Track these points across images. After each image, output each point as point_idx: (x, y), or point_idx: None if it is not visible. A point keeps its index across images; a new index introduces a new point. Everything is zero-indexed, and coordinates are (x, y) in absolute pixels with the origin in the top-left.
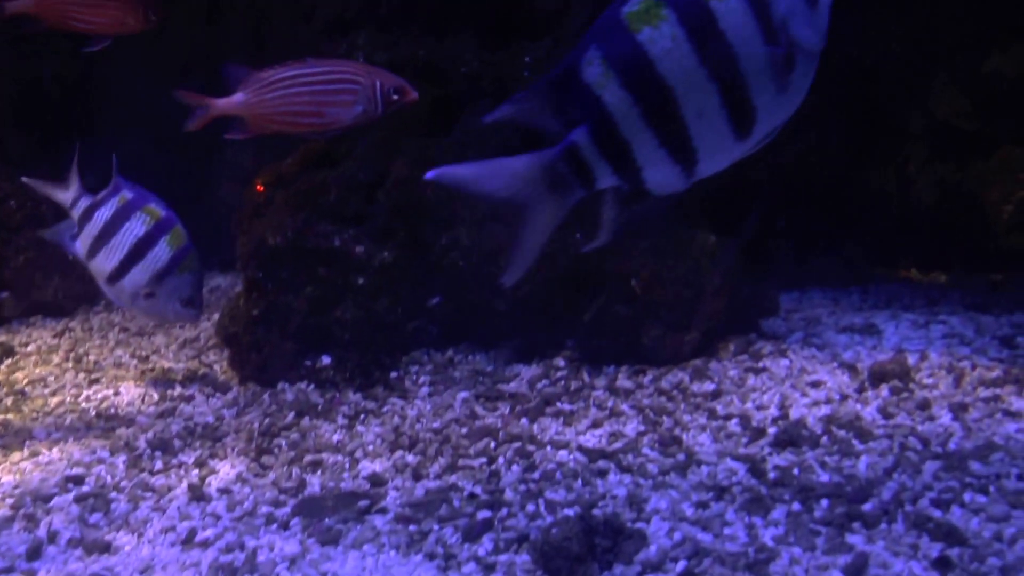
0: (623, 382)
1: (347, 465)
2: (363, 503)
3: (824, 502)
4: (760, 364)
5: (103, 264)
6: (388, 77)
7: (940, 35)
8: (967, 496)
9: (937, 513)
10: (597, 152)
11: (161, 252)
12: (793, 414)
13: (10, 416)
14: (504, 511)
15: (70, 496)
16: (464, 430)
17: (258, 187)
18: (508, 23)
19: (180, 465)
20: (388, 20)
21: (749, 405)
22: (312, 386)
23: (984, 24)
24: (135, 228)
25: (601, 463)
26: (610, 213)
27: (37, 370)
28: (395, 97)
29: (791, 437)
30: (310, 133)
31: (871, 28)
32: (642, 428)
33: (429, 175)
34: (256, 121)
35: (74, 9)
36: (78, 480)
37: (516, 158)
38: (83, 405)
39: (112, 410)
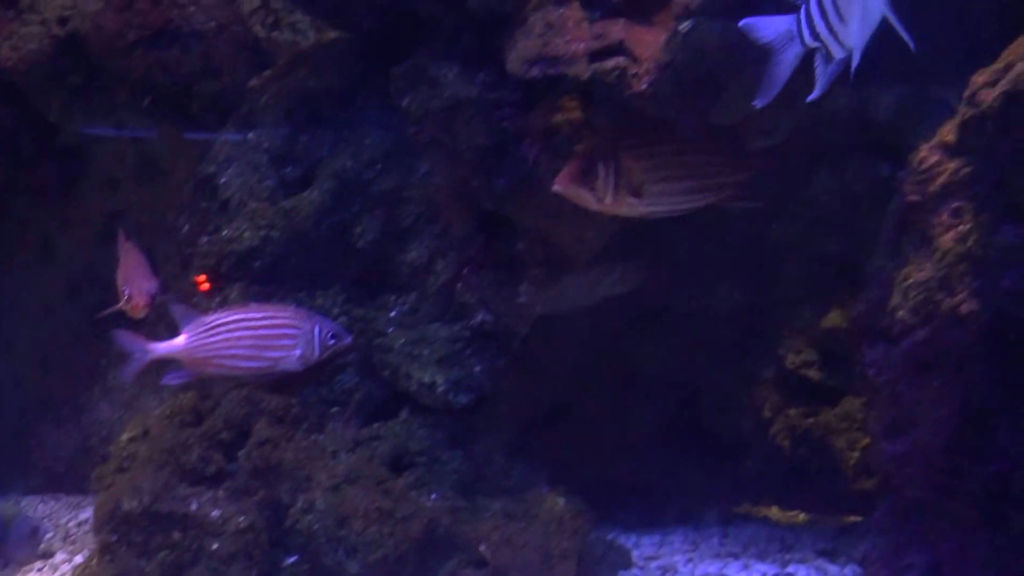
0: None
1: None
2: None
3: None
4: None
5: None
6: (327, 323)
7: (788, 287)
8: None
9: None
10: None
11: None
12: None
13: None
14: None
15: None
16: None
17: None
18: (376, 278)
19: None
20: (261, 274)
21: None
22: None
23: (824, 282)
24: None
25: None
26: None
27: None
28: (332, 342)
29: None
30: (248, 376)
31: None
32: None
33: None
34: (196, 364)
35: None
36: None
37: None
38: None
39: None
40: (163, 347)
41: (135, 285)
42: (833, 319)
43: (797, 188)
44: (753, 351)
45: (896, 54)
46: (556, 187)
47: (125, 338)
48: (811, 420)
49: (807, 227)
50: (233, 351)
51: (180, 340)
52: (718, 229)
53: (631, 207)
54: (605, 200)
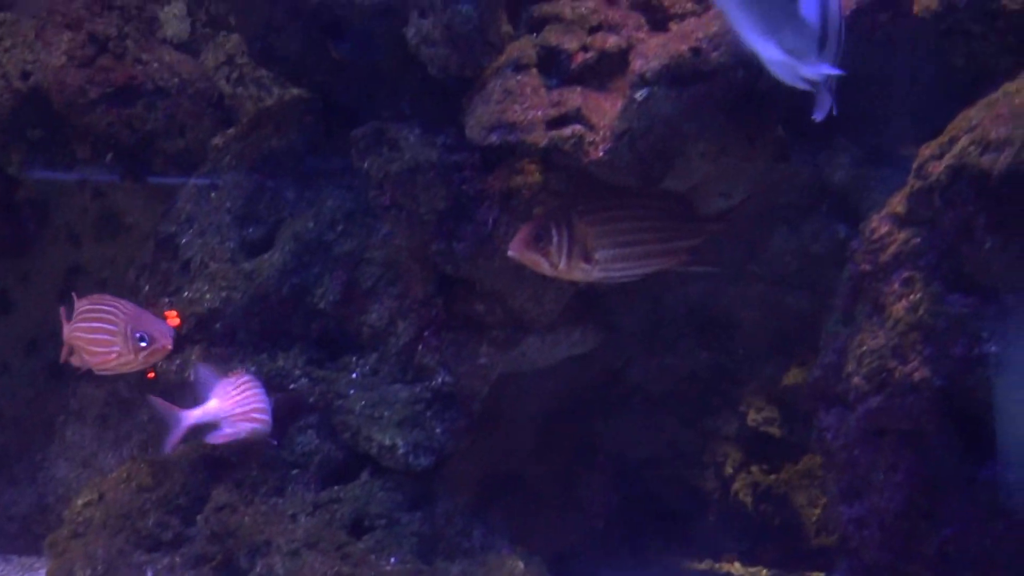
0: None
1: None
2: None
3: None
4: None
5: None
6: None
7: (749, 345)
8: None
9: None
10: None
11: None
12: None
13: None
14: None
15: None
16: None
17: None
18: (337, 339)
19: None
20: (222, 336)
21: None
22: None
23: (784, 340)
24: None
25: None
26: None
27: None
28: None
29: None
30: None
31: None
32: None
33: None
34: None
35: None
36: None
37: None
38: None
39: None
40: (198, 414)
41: (154, 328)
42: (794, 376)
43: (756, 249)
44: (714, 408)
45: (852, 117)
46: (510, 252)
47: (162, 407)
48: (773, 477)
49: (767, 287)
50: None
51: (213, 404)
52: (678, 287)
53: (585, 273)
54: (559, 266)
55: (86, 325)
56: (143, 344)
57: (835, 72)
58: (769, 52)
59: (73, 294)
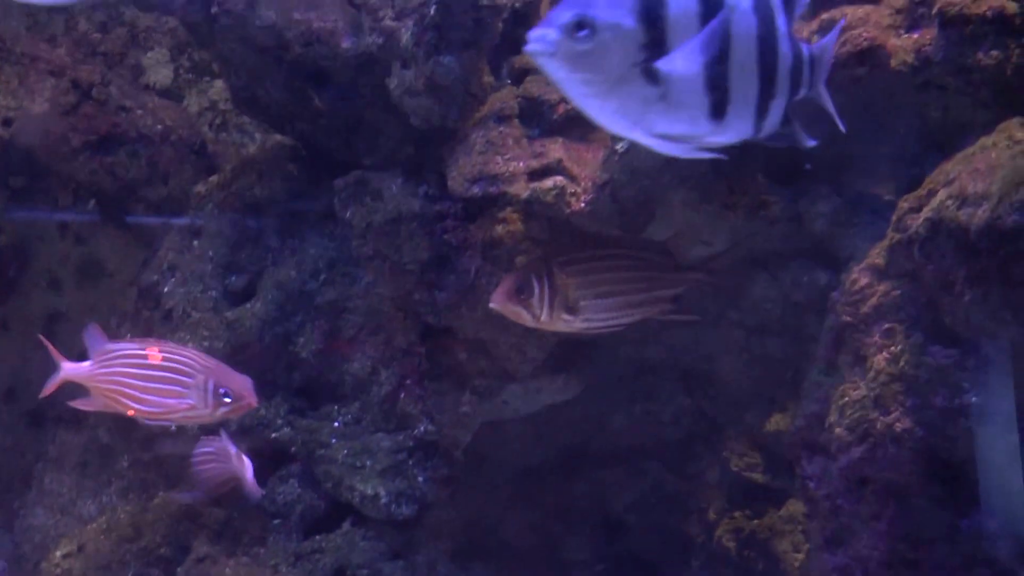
0: None
1: None
2: None
3: None
4: None
5: None
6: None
7: (731, 390)
8: None
9: None
10: None
11: None
12: None
13: None
14: None
15: None
16: None
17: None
18: (319, 388)
19: None
20: None
21: None
22: None
23: (766, 385)
24: None
25: None
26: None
27: None
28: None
29: None
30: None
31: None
32: None
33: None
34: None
35: None
36: None
37: None
38: None
39: None
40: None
41: (237, 382)
42: (776, 423)
43: (736, 296)
44: (697, 454)
45: (832, 165)
46: (492, 305)
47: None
48: (756, 522)
49: (747, 333)
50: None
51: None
52: (660, 334)
53: (567, 324)
54: (541, 317)
55: (143, 372)
56: (227, 400)
57: (740, 139)
58: (645, 141)
59: (92, 331)
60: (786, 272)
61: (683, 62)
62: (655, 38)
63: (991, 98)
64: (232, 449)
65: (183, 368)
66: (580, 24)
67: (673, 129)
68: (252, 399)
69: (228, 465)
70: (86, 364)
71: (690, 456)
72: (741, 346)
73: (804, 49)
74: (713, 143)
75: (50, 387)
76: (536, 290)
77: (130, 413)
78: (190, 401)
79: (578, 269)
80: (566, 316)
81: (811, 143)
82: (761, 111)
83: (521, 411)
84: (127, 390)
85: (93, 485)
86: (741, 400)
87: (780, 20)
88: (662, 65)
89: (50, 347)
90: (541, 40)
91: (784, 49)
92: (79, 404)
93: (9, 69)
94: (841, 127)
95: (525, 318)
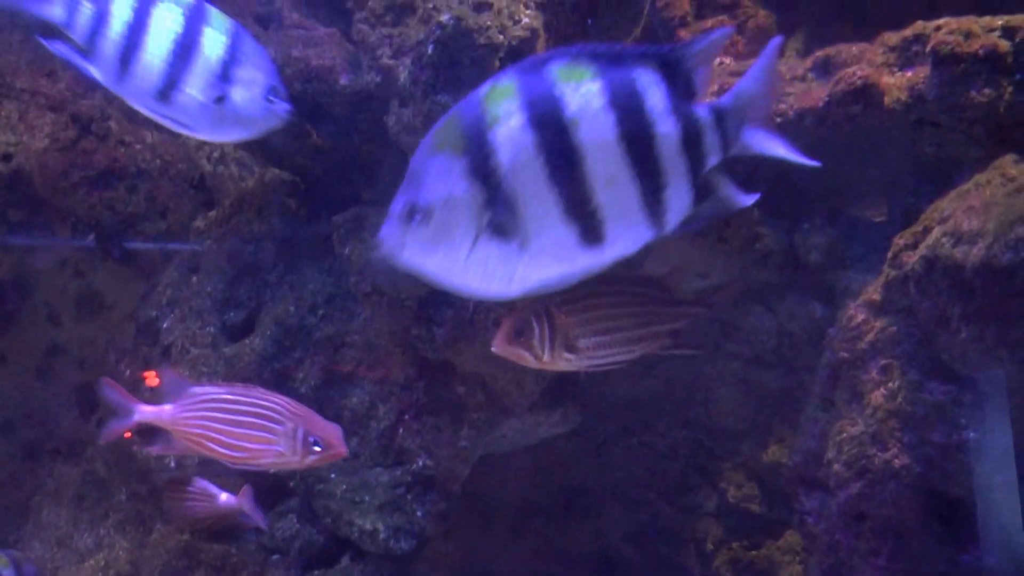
0: None
1: None
2: None
3: None
4: None
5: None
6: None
7: (727, 422)
8: None
9: None
10: None
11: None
12: None
13: None
14: None
15: None
16: None
17: None
18: None
19: None
20: None
21: None
22: None
23: (763, 416)
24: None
25: None
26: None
27: None
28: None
29: None
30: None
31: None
32: None
33: None
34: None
35: None
36: None
37: None
38: None
39: None
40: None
41: (328, 431)
42: (773, 453)
43: (732, 328)
44: (694, 485)
45: (826, 198)
46: (494, 349)
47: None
48: (753, 553)
49: (744, 365)
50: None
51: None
52: (656, 366)
53: (569, 363)
54: (543, 358)
55: (231, 417)
56: (317, 448)
57: (639, 246)
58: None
59: (169, 374)
60: (781, 304)
61: (523, 204)
62: (494, 193)
63: (984, 135)
64: (213, 490)
65: (272, 414)
66: (412, 211)
67: (550, 275)
68: (342, 448)
69: (212, 504)
70: (167, 407)
71: (687, 487)
72: (738, 377)
73: (704, 112)
74: (604, 265)
75: (119, 431)
76: (536, 331)
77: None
78: (279, 448)
79: (577, 308)
80: (567, 355)
81: (748, 202)
82: (654, 209)
83: (519, 444)
84: (213, 435)
85: (90, 518)
86: (738, 431)
87: (656, 98)
88: (500, 218)
89: (121, 391)
90: (387, 238)
91: (665, 129)
92: (157, 450)
93: (10, 104)
94: (810, 163)
95: (527, 359)
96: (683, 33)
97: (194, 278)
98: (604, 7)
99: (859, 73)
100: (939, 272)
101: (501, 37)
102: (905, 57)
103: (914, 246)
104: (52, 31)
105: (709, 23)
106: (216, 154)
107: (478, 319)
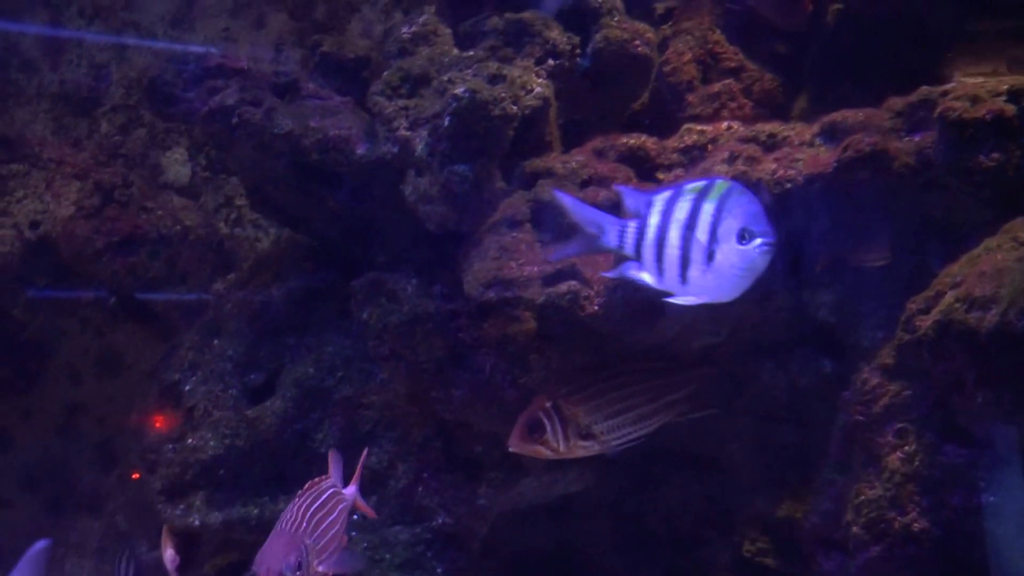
0: None
1: None
2: None
3: None
4: None
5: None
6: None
7: (741, 477)
8: None
9: None
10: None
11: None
12: None
13: None
14: None
15: None
16: None
17: None
18: None
19: None
20: (224, 481)
21: None
22: None
23: (776, 471)
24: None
25: None
26: None
27: None
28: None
29: None
30: None
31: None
32: None
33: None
34: None
35: None
36: None
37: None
38: None
39: None
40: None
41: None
42: (787, 508)
43: (743, 385)
44: (708, 539)
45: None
46: (511, 448)
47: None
48: None
49: (756, 420)
50: None
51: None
52: (669, 422)
53: (586, 449)
54: (560, 450)
55: None
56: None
57: None
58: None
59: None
60: (792, 360)
61: None
62: None
63: (993, 198)
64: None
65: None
66: None
67: None
68: None
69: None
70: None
71: (701, 542)
72: (750, 433)
73: None
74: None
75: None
76: (548, 427)
77: None
78: None
79: (583, 396)
80: (583, 443)
81: None
82: None
83: (536, 502)
84: None
85: (111, 571)
86: (751, 486)
87: None
88: None
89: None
90: None
91: None
92: None
93: (37, 174)
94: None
95: (545, 454)
96: (691, 98)
97: (215, 341)
98: (612, 74)
99: (867, 140)
100: (953, 337)
101: (515, 108)
102: (912, 122)
103: (927, 311)
104: None
105: (716, 87)
106: (233, 216)
107: (495, 381)
